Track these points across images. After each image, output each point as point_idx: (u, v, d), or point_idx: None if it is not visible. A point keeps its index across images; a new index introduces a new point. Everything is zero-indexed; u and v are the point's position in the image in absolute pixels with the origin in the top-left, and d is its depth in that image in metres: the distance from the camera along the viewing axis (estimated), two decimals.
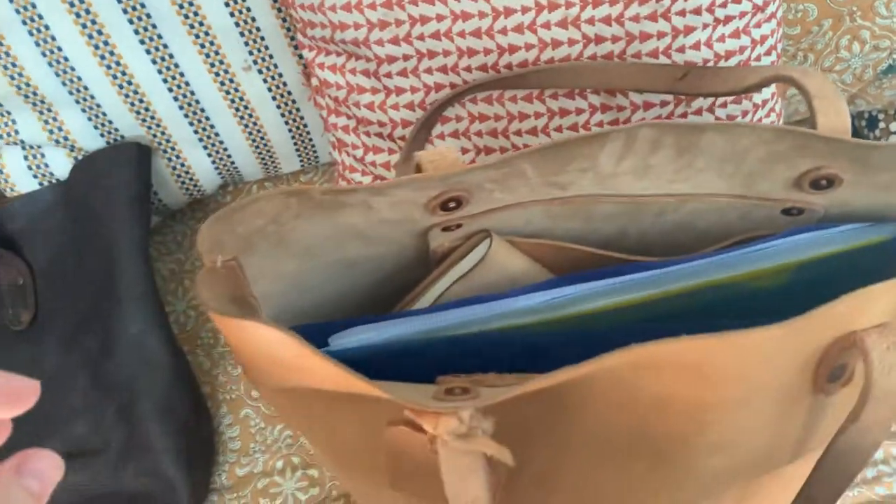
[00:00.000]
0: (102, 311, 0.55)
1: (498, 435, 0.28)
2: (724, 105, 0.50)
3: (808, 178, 0.33)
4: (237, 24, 0.54)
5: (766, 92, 0.51)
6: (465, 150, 0.54)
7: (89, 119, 0.56)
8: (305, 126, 0.61)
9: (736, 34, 0.48)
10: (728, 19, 0.48)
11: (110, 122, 0.56)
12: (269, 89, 0.58)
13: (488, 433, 0.27)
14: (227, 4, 0.53)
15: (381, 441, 0.30)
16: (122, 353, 0.53)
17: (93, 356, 0.54)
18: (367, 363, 0.36)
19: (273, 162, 0.63)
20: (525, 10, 0.47)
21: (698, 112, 0.50)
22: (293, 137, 0.61)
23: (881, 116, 0.62)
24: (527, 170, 0.32)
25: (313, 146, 0.63)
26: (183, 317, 0.62)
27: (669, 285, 0.35)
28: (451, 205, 0.33)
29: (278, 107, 0.59)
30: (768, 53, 0.50)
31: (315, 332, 0.36)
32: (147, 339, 0.53)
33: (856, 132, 0.67)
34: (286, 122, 0.60)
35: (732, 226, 0.37)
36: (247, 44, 0.55)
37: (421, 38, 0.49)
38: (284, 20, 0.55)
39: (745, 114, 0.51)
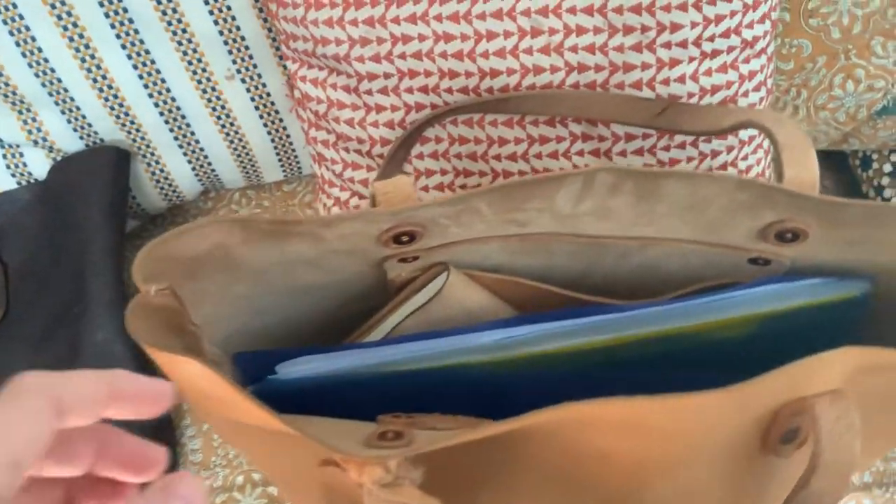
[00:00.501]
0: (72, 315, 0.54)
1: (433, 482, 0.27)
2: (709, 140, 0.49)
3: (773, 230, 0.32)
4: (221, 33, 0.53)
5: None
6: (444, 172, 0.53)
7: (69, 121, 0.55)
8: (288, 137, 0.60)
9: (723, 69, 0.47)
10: (715, 53, 0.47)
11: (90, 124, 0.56)
12: (252, 99, 0.57)
13: (416, 483, 0.27)
14: (210, 12, 0.52)
15: (315, 475, 0.29)
16: (87, 359, 0.52)
17: (61, 360, 0.54)
18: (313, 394, 0.35)
19: (255, 171, 0.62)
20: (508, 34, 0.46)
21: (681, 146, 0.49)
22: (276, 148, 0.60)
23: (875, 157, 0.61)
24: (482, 208, 0.32)
25: (296, 157, 0.62)
26: None
27: (629, 331, 0.34)
28: (404, 238, 0.32)
29: (261, 116, 0.58)
30: (757, 89, 0.49)
31: (264, 359, 0.35)
32: (113, 347, 0.52)
33: (849, 171, 0.66)
34: (269, 133, 0.59)
35: (698, 272, 0.36)
36: (230, 52, 0.54)
37: (402, 56, 0.48)
38: (270, 30, 0.55)
39: (730, 149, 0.50)
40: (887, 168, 0.60)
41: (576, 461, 0.30)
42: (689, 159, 0.50)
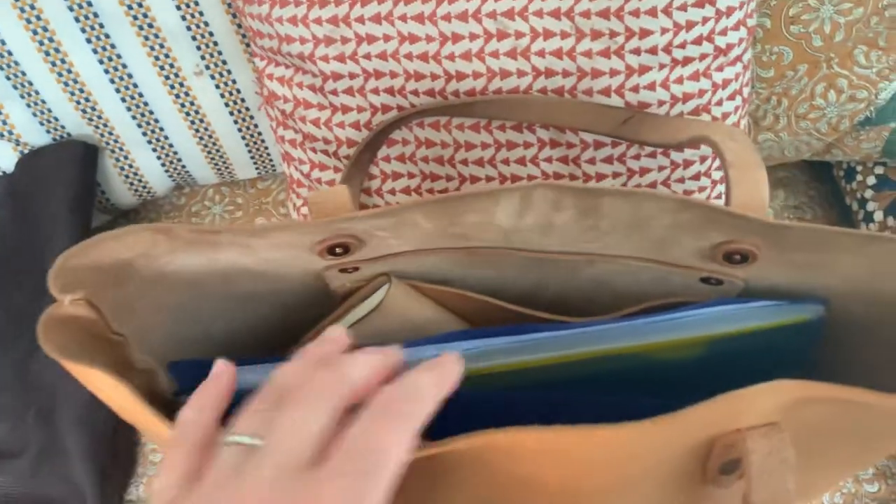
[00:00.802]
0: (35, 310, 0.53)
1: None
2: (681, 149, 0.48)
3: (721, 250, 0.30)
4: (189, 28, 0.52)
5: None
6: (410, 175, 0.52)
7: (34, 115, 0.55)
8: (260, 134, 0.59)
9: (695, 76, 0.46)
10: (687, 61, 0.45)
11: (56, 118, 0.55)
12: (222, 95, 0.56)
13: None
14: (178, 7, 0.51)
15: None
16: (46, 356, 0.52)
17: (22, 357, 0.53)
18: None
19: (227, 168, 0.61)
20: (473, 37, 0.45)
21: (652, 155, 0.48)
22: (247, 145, 0.60)
23: (859, 168, 0.59)
24: (419, 220, 0.31)
25: (269, 154, 0.61)
26: None
27: (574, 349, 0.33)
28: (339, 250, 0.32)
29: (231, 113, 0.57)
30: (732, 98, 0.48)
31: (198, 369, 0.34)
32: None
33: (833, 182, 0.64)
34: (239, 129, 0.58)
35: (650, 289, 0.35)
36: (199, 48, 0.53)
37: (367, 57, 0.47)
38: (239, 26, 0.54)
39: (703, 159, 0.49)
40: (871, 181, 0.58)
41: (506, 488, 0.29)
42: (661, 168, 0.49)
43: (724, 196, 0.50)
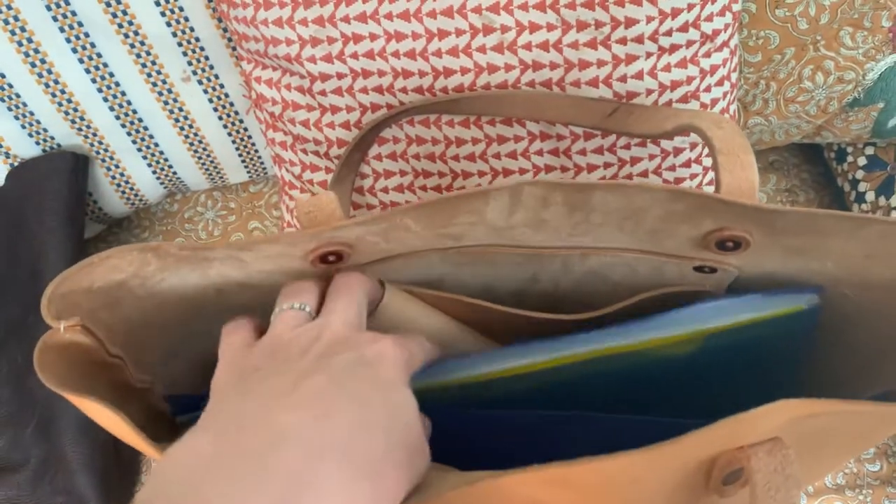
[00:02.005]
0: (29, 323, 0.53)
1: None
2: (671, 137, 0.48)
3: (713, 238, 0.30)
4: (174, 34, 0.52)
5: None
6: (402, 173, 0.52)
7: (23, 126, 0.54)
8: (250, 137, 0.59)
9: (682, 64, 0.46)
10: (674, 48, 0.45)
11: (45, 129, 0.55)
12: (210, 100, 0.56)
13: None
14: (162, 13, 0.51)
15: None
16: None
17: (19, 369, 0.53)
18: None
19: (218, 173, 0.61)
20: (460, 32, 0.45)
21: (642, 143, 0.48)
22: (237, 148, 0.59)
23: (849, 150, 0.60)
24: (409, 224, 0.30)
25: (259, 158, 0.61)
26: None
27: (572, 350, 0.33)
28: (331, 258, 0.31)
29: (220, 118, 0.57)
30: (720, 84, 0.48)
31: (195, 400, 0.34)
32: None
33: (824, 164, 0.64)
34: (229, 133, 0.58)
35: (645, 279, 0.35)
36: (185, 53, 0.53)
37: (354, 56, 0.47)
38: (225, 30, 0.54)
39: (693, 146, 0.49)
40: (862, 161, 0.58)
41: None
42: (652, 157, 0.49)
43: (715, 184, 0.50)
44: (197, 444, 0.21)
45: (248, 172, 0.62)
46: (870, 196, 0.57)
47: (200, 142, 0.58)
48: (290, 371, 0.24)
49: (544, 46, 0.45)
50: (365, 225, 0.29)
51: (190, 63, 0.54)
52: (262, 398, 0.23)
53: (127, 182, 0.59)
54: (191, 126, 0.57)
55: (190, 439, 0.21)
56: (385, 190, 0.52)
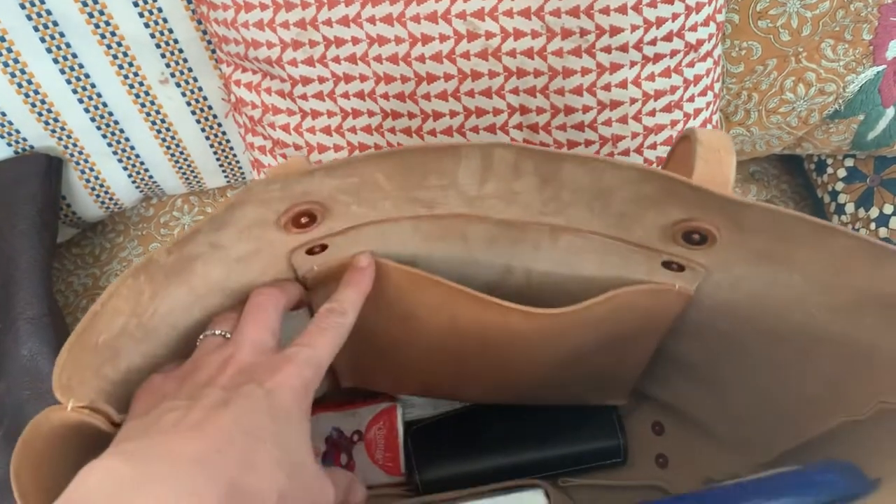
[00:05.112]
0: (0, 329, 0.52)
1: None
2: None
3: (680, 229, 0.30)
4: (153, 36, 0.51)
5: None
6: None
7: None
8: (228, 142, 0.58)
9: (667, 73, 0.46)
10: (658, 58, 0.45)
11: (17, 131, 0.53)
12: (189, 103, 0.55)
13: None
14: (141, 14, 0.50)
15: None
16: (12, 375, 0.50)
17: None
18: None
19: (195, 177, 0.60)
20: (443, 38, 0.45)
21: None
22: (215, 153, 0.58)
23: (829, 161, 0.60)
24: (380, 179, 0.30)
25: (238, 162, 0.60)
26: None
27: None
28: (304, 220, 0.31)
29: (198, 121, 0.56)
30: (703, 94, 0.48)
31: None
32: (39, 363, 0.50)
33: (805, 176, 0.64)
34: (207, 137, 0.57)
35: (615, 276, 0.34)
36: (163, 55, 0.52)
37: (336, 60, 0.46)
38: (204, 32, 0.53)
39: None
40: (842, 173, 0.59)
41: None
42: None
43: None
44: (112, 465, 0.23)
45: (227, 177, 0.61)
46: (849, 208, 0.58)
47: (178, 145, 0.57)
48: (194, 404, 0.26)
49: (529, 54, 0.44)
50: (332, 171, 0.29)
51: (168, 65, 0.53)
52: (167, 428, 0.25)
53: (101, 185, 0.58)
54: (168, 129, 0.56)
55: (107, 461, 0.23)
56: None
